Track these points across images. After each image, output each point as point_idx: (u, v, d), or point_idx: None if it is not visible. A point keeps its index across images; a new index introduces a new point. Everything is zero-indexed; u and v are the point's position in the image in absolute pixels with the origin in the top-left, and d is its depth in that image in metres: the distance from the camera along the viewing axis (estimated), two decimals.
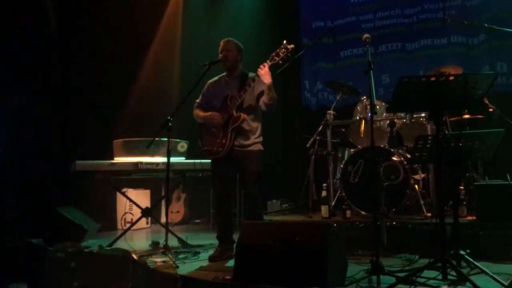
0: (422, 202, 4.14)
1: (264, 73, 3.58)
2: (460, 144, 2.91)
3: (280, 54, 3.63)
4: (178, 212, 6.23)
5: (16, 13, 4.98)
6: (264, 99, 3.72)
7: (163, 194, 5.98)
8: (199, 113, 3.97)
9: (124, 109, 5.93)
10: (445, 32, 6.02)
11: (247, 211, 4.03)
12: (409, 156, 4.27)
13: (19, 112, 4.95)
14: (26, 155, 4.94)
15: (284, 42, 3.64)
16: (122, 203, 5.87)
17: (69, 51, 5.52)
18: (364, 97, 4.80)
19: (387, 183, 4.09)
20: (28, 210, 4.67)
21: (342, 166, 4.54)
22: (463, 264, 2.87)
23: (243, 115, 3.74)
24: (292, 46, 3.64)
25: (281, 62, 3.66)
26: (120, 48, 5.92)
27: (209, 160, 4.07)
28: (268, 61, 3.64)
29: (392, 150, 4.29)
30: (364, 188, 4.24)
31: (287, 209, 5.61)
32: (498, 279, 2.61)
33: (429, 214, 4.02)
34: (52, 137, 5.31)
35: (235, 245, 2.97)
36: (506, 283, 2.56)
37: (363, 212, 4.25)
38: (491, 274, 2.65)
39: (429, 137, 3.03)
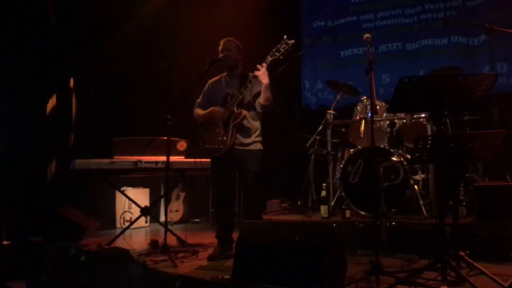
0: (421, 202, 4.14)
1: (262, 73, 3.59)
2: (460, 145, 2.91)
3: (281, 49, 3.64)
4: (177, 211, 6.23)
5: (16, 10, 4.97)
6: (260, 99, 3.72)
7: (162, 193, 5.97)
8: (199, 112, 3.97)
9: (124, 107, 5.92)
10: (445, 32, 6.02)
11: (246, 210, 4.03)
12: (409, 156, 4.27)
13: (19, 110, 4.94)
14: (26, 154, 4.93)
15: (285, 37, 3.66)
16: (121, 202, 5.86)
17: (69, 49, 5.50)
18: (364, 97, 4.80)
19: (386, 183, 4.09)
20: (27, 208, 4.66)
21: (341, 166, 4.53)
22: (463, 265, 2.87)
23: (244, 112, 3.74)
24: (292, 41, 3.66)
25: (281, 57, 3.68)
26: (120, 45, 5.92)
27: (209, 159, 4.06)
28: (268, 57, 3.66)
29: (392, 150, 4.28)
30: (363, 188, 4.23)
31: (286, 209, 5.60)
32: (498, 280, 2.60)
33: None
34: (52, 135, 5.29)
35: (234, 244, 2.97)
36: (505, 285, 2.56)
37: (362, 212, 4.25)
38: (490, 275, 2.65)
39: (429, 138, 3.02)
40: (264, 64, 3.62)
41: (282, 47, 3.64)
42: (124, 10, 5.89)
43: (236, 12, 6.59)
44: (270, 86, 3.68)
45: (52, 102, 5.31)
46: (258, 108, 3.79)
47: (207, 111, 3.90)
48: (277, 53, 3.65)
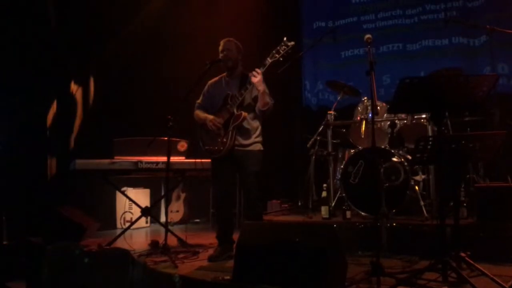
0: (422, 203, 4.13)
1: (258, 81, 3.59)
2: (461, 146, 2.90)
3: (281, 51, 3.64)
4: (177, 211, 6.23)
5: (16, 12, 4.97)
6: (258, 105, 3.74)
7: (162, 193, 5.97)
8: (200, 114, 3.97)
9: (124, 108, 5.92)
10: (446, 33, 6.01)
11: (247, 211, 4.03)
12: (409, 157, 4.27)
13: (19, 110, 4.94)
14: (26, 154, 4.93)
15: (285, 39, 3.65)
16: (121, 202, 5.86)
17: (70, 50, 5.50)
18: (365, 98, 4.79)
19: (387, 184, 4.08)
20: (27, 208, 4.66)
21: (342, 166, 4.53)
22: (464, 266, 2.86)
23: (244, 113, 3.75)
24: (292, 43, 3.65)
25: (281, 59, 3.68)
26: (121, 45, 5.91)
27: (209, 160, 4.06)
28: (268, 59, 3.66)
29: (392, 151, 4.28)
30: (364, 189, 4.23)
31: (287, 209, 5.60)
32: (499, 281, 2.60)
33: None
34: (52, 135, 5.29)
35: (234, 245, 2.96)
36: (506, 286, 2.55)
37: (363, 213, 4.24)
38: (491, 276, 2.64)
39: (430, 138, 3.02)
40: (260, 71, 3.61)
41: (282, 48, 3.64)
42: (125, 11, 5.89)
43: (237, 13, 6.59)
44: (269, 89, 3.70)
45: (52, 109, 5.32)
46: (257, 112, 3.80)
47: (205, 117, 3.89)
48: (277, 55, 3.65)
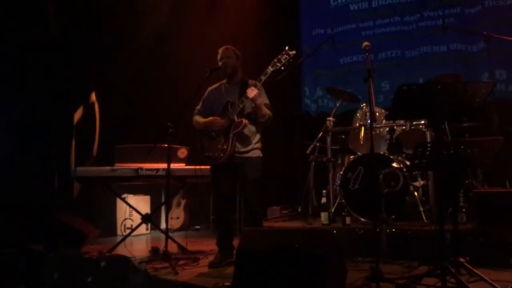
0: (421, 209, 4.15)
1: (253, 97, 3.63)
2: (459, 152, 2.92)
3: (282, 60, 3.68)
4: (178, 218, 6.23)
5: (17, 18, 5.00)
6: (257, 116, 3.79)
7: (163, 200, 5.98)
8: (199, 119, 3.99)
9: (125, 115, 5.94)
10: (444, 40, 6.04)
11: (247, 217, 4.04)
12: (408, 163, 4.28)
13: (21, 117, 4.96)
14: (27, 160, 4.94)
15: (286, 48, 3.69)
16: (122, 209, 5.87)
17: (71, 56, 5.53)
18: (364, 104, 4.82)
19: (386, 190, 4.10)
20: (28, 216, 4.67)
21: (342, 172, 4.54)
22: (463, 271, 2.87)
23: (244, 121, 3.77)
24: (293, 52, 3.69)
25: (283, 68, 3.70)
26: (122, 52, 5.95)
27: (209, 166, 4.07)
28: (270, 67, 3.70)
29: (391, 157, 4.30)
30: (363, 194, 4.24)
31: (287, 216, 5.60)
32: (498, 286, 2.61)
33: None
34: (53, 142, 5.31)
35: (235, 251, 2.97)
36: None
37: (362, 219, 4.25)
38: (490, 281, 2.66)
39: (428, 144, 3.04)
40: (255, 87, 3.66)
41: (284, 57, 3.68)
42: (126, 20, 5.93)
43: (237, 20, 6.63)
44: (269, 95, 3.72)
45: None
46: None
47: (207, 120, 3.92)
48: (278, 64, 3.68)
